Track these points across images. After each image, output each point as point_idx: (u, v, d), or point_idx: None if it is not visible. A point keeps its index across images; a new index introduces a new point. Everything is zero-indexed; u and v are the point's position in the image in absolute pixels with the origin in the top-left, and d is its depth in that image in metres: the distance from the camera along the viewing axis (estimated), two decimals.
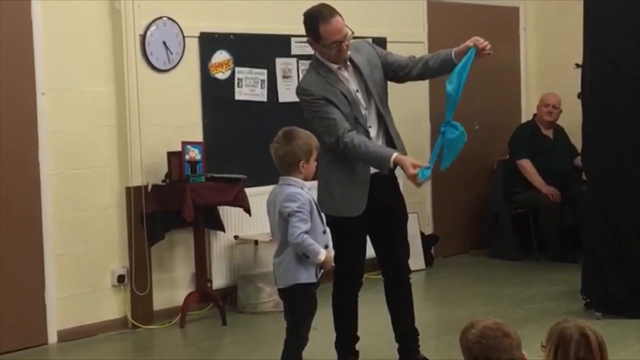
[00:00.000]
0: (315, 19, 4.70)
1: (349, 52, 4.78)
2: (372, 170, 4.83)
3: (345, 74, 4.82)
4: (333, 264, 4.47)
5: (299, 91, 4.85)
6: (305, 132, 4.40)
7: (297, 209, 4.25)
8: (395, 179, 4.99)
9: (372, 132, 4.85)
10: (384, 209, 4.87)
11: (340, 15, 4.72)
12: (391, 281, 5.09)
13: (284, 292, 4.46)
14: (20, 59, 5.90)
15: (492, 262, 8.33)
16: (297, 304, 4.43)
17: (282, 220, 4.32)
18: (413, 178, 4.55)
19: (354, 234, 4.76)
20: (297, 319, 4.44)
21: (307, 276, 4.34)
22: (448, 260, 8.46)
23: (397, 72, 4.99)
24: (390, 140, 4.90)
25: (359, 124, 4.77)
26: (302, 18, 7.12)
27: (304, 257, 4.30)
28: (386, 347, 5.30)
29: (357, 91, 4.83)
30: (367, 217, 4.80)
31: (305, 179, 4.37)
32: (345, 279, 4.91)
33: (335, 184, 4.78)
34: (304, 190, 4.34)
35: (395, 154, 4.65)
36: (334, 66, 4.79)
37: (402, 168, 4.62)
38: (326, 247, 4.42)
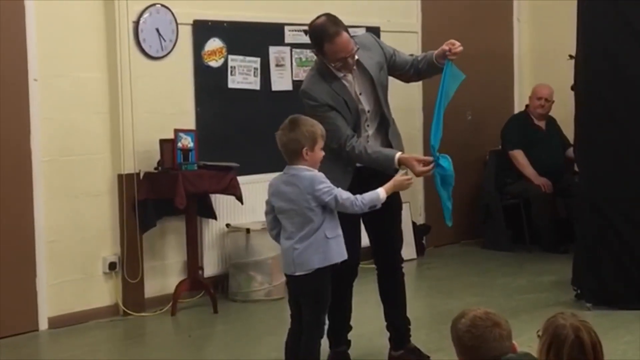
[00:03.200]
0: (320, 38, 4.66)
1: (356, 51, 4.73)
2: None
3: (350, 77, 4.79)
4: (405, 181, 4.57)
5: (303, 95, 4.80)
6: (311, 120, 4.37)
7: (330, 187, 4.29)
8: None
9: (370, 131, 4.87)
10: None
11: (345, 30, 4.67)
12: (384, 270, 5.11)
13: (301, 280, 4.38)
14: (13, 45, 5.87)
15: (483, 252, 8.35)
16: (321, 289, 4.40)
17: (317, 205, 4.28)
18: (421, 175, 4.73)
19: (347, 222, 4.75)
20: (320, 305, 4.42)
21: (338, 255, 4.38)
22: (439, 250, 8.47)
23: (402, 74, 5.02)
24: (388, 142, 4.92)
25: (358, 129, 4.80)
26: (296, 7, 7.19)
27: (374, 208, 4.42)
28: (377, 336, 5.32)
29: (361, 94, 4.83)
30: None
31: (312, 167, 4.34)
32: (341, 268, 4.91)
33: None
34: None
35: (398, 154, 4.70)
36: (340, 74, 4.76)
37: (408, 167, 4.67)
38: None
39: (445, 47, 4.76)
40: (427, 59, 4.89)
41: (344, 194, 4.32)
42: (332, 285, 4.85)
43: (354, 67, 4.77)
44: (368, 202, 4.38)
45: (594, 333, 2.68)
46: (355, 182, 4.74)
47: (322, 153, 4.37)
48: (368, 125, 4.88)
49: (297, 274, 4.37)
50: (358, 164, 4.82)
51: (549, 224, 8.15)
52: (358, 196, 4.36)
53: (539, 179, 8.11)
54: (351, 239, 4.81)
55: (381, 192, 4.41)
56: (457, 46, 4.73)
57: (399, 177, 4.55)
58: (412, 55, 5.06)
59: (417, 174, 4.72)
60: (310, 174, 4.30)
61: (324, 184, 4.29)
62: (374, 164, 4.74)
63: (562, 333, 2.64)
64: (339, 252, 4.39)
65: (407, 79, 5.11)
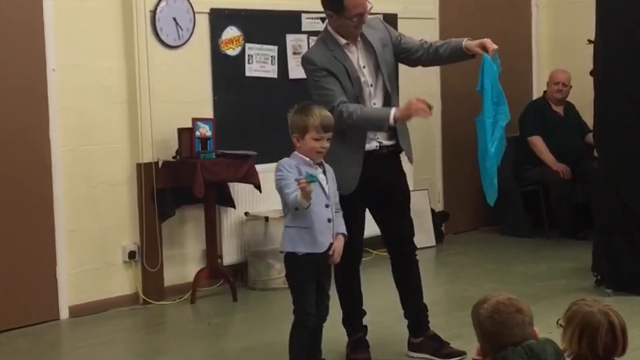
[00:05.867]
0: None
1: (370, 9, 4.77)
2: (372, 147, 4.83)
3: (353, 48, 4.83)
4: (307, 194, 4.24)
5: (304, 60, 4.88)
6: (314, 110, 4.37)
7: (278, 178, 4.31)
8: (397, 156, 4.98)
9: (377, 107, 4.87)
10: (384, 187, 4.88)
11: None
12: (397, 259, 5.10)
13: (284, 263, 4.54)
14: (31, 35, 5.89)
15: (502, 239, 8.33)
16: (290, 275, 4.49)
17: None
18: (421, 111, 4.58)
19: (351, 210, 4.74)
20: (294, 292, 4.48)
21: (291, 246, 4.39)
22: (458, 237, 8.46)
23: (409, 55, 5.00)
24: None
25: (362, 101, 4.79)
26: None
27: (298, 210, 4.32)
28: (396, 324, 5.31)
29: (364, 67, 4.84)
30: (367, 194, 4.82)
31: (305, 155, 4.36)
32: (345, 254, 4.91)
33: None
34: (296, 162, 4.34)
35: (394, 109, 4.66)
36: (343, 41, 4.80)
37: (406, 116, 4.63)
38: (329, 220, 4.40)
39: (487, 44, 4.76)
40: (452, 45, 4.87)
41: (286, 190, 4.25)
42: (339, 273, 4.87)
43: (359, 40, 4.81)
44: (292, 206, 4.29)
45: (620, 316, 2.67)
46: (366, 168, 4.76)
47: (319, 144, 4.34)
48: (374, 103, 4.85)
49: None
50: (367, 149, 4.81)
51: (568, 210, 8.12)
52: (292, 196, 4.23)
53: (557, 165, 8.08)
54: (354, 224, 4.80)
55: (293, 194, 4.23)
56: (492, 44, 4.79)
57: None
58: (421, 40, 5.05)
59: (415, 110, 4.61)
60: (282, 160, 4.37)
61: (279, 173, 4.32)
62: (366, 123, 4.70)
63: (594, 320, 2.62)
64: (291, 243, 4.38)
65: (414, 63, 5.08)
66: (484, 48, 4.77)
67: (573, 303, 2.72)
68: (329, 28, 4.85)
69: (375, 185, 4.82)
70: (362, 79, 4.82)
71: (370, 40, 4.84)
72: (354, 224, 4.80)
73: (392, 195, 4.95)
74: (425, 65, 5.15)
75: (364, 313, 5.11)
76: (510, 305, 2.74)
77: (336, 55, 4.78)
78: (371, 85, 4.85)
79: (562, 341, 2.71)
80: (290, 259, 4.42)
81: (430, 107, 4.64)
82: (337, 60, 4.77)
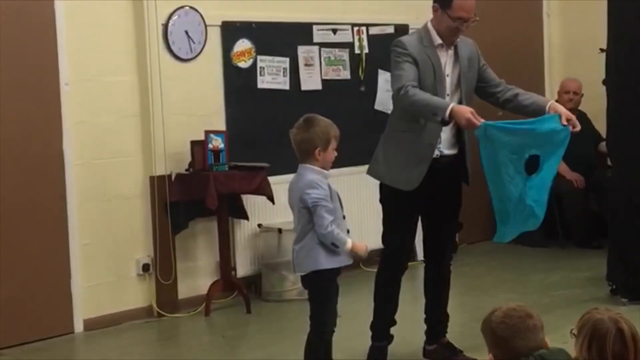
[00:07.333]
0: None
1: (458, 41, 4.81)
2: (446, 152, 4.84)
3: (444, 53, 4.83)
4: (365, 251, 4.39)
5: (396, 43, 4.82)
6: (326, 120, 4.38)
7: (320, 197, 4.26)
8: (455, 169, 4.97)
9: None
10: (435, 195, 4.88)
11: None
12: (432, 265, 5.16)
13: (304, 279, 4.47)
14: (44, 50, 5.92)
15: (516, 249, 8.27)
16: (318, 290, 4.42)
17: (303, 207, 4.31)
18: (470, 125, 4.51)
19: (407, 212, 4.73)
20: (319, 305, 4.44)
21: (328, 262, 4.33)
22: (472, 247, 8.44)
23: (488, 88, 4.99)
24: (461, 135, 4.91)
25: None
26: (324, 7, 7.19)
27: (332, 246, 4.29)
28: (411, 336, 5.30)
29: (447, 75, 4.85)
30: (424, 198, 4.81)
31: (323, 167, 4.35)
32: (393, 259, 4.91)
33: (394, 152, 4.76)
34: (322, 177, 4.33)
35: (453, 104, 4.58)
36: (438, 40, 4.80)
37: (461, 116, 4.50)
38: (347, 231, 4.41)
39: (573, 120, 4.87)
40: (535, 99, 4.90)
41: (325, 214, 4.23)
42: (383, 277, 4.86)
43: (451, 48, 4.82)
44: (333, 239, 4.26)
45: (631, 324, 2.67)
46: (428, 176, 4.76)
47: (335, 154, 4.37)
48: None
49: (297, 273, 4.48)
50: (434, 155, 4.79)
51: (582, 219, 8.09)
52: (335, 228, 4.25)
53: (571, 174, 8.06)
54: (406, 229, 4.82)
55: (349, 243, 4.29)
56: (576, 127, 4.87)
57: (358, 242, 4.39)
58: (502, 79, 5.03)
59: (466, 122, 4.52)
60: (311, 177, 4.30)
61: (316, 191, 4.26)
62: (422, 107, 4.61)
63: (603, 327, 2.62)
64: (330, 259, 4.33)
65: (488, 96, 5.03)
66: (567, 120, 4.81)
67: (586, 312, 2.72)
68: (429, 24, 4.85)
69: (428, 192, 4.82)
70: (444, 84, 4.83)
71: (460, 55, 4.85)
72: (408, 230, 4.82)
73: (440, 204, 4.96)
74: (496, 102, 5.04)
75: (394, 322, 5.09)
76: (521, 311, 2.78)
77: (428, 53, 4.77)
78: (448, 95, 4.85)
79: (574, 349, 2.70)
80: (330, 274, 4.37)
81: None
82: (427, 56, 4.76)
